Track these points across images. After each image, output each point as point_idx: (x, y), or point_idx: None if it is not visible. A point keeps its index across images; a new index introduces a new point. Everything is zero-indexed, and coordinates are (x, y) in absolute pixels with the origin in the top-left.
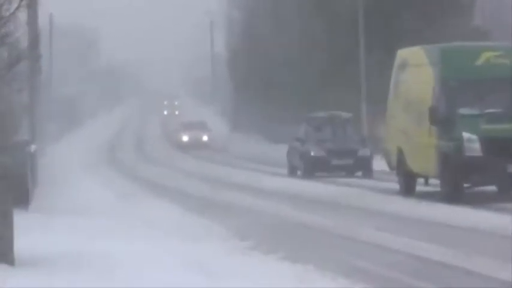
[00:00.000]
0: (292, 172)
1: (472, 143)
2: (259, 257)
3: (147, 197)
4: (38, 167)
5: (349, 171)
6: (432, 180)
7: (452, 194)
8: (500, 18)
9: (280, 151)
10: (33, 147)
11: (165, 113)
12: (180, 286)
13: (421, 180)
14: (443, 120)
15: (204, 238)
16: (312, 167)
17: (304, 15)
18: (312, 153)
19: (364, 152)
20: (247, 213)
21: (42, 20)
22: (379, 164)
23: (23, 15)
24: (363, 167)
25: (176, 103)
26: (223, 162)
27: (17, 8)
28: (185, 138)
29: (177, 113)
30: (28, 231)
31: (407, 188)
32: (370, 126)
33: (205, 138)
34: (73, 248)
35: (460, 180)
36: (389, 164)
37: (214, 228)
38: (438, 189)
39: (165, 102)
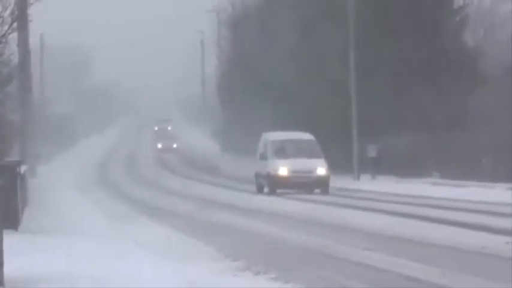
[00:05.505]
0: None
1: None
2: None
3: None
4: (28, 188)
5: None
6: None
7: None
8: (492, 36)
9: None
10: (23, 168)
11: (160, 146)
12: None
13: None
14: None
15: None
16: None
17: (295, 36)
18: None
19: None
20: None
21: (34, 41)
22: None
23: (13, 36)
24: None
25: (169, 128)
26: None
27: (7, 30)
28: (283, 171)
29: (175, 146)
30: (18, 251)
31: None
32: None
33: (321, 171)
34: (63, 268)
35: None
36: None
37: None
38: None
39: (156, 128)
